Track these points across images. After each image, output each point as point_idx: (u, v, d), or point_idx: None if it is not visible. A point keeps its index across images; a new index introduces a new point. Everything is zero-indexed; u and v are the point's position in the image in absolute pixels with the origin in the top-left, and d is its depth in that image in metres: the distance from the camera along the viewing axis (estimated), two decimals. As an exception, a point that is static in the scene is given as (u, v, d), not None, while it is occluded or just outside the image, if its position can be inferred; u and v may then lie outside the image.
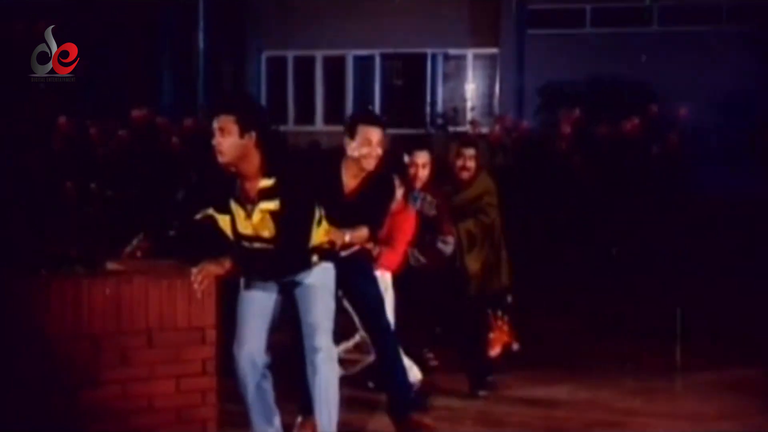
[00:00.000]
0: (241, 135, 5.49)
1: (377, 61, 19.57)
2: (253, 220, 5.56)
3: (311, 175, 5.85)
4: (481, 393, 7.21)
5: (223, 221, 5.62)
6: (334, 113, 19.85)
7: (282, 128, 17.53)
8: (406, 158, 7.22)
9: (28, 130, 12.74)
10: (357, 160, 6.18)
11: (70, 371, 5.10)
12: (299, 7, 19.29)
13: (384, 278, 6.81)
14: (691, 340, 8.74)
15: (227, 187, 5.60)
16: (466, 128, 15.72)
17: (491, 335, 7.67)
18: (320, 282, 5.79)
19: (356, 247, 6.23)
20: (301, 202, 5.63)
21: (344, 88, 19.86)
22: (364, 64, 19.76)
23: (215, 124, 5.53)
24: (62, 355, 5.08)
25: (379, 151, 6.19)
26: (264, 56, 20.22)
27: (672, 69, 16.35)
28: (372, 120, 6.36)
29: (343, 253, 6.08)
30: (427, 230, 7.20)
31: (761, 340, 8.85)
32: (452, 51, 19.02)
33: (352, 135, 6.20)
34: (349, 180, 6.25)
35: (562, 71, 16.09)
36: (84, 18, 15.54)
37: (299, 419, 6.26)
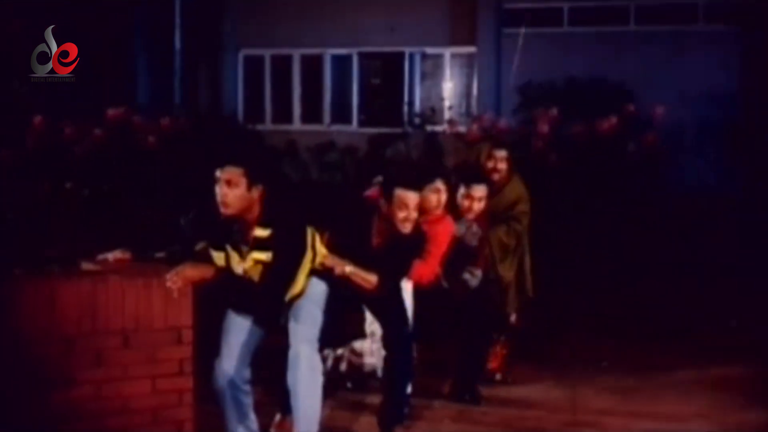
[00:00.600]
0: (249, 188, 5.46)
1: (355, 60, 19.54)
2: (246, 265, 5.54)
3: (305, 228, 5.73)
4: (467, 397, 7.15)
5: (218, 258, 5.59)
6: (311, 112, 19.81)
7: (259, 127, 17.51)
8: (462, 189, 7.07)
9: (3, 130, 12.68)
10: (390, 222, 6.10)
11: (44, 372, 5.05)
12: (276, 6, 19.24)
13: (406, 288, 6.66)
14: (669, 338, 8.76)
15: (224, 229, 5.56)
16: (444, 127, 15.73)
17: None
18: (307, 293, 5.79)
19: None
20: (291, 258, 5.61)
21: (322, 87, 19.82)
22: (341, 63, 19.72)
23: (221, 175, 5.46)
24: (36, 355, 5.03)
25: (414, 215, 6.09)
26: (241, 55, 20.15)
27: (649, 68, 16.38)
28: (409, 185, 6.16)
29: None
30: (459, 258, 7.03)
31: (739, 338, 8.89)
32: (430, 50, 19.01)
33: (388, 198, 6.09)
34: (378, 235, 6.19)
35: (539, 70, 16.07)
36: (59, 17, 15.46)
37: (277, 417, 6.26)
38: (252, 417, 5.85)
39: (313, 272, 5.80)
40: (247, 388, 5.78)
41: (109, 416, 5.24)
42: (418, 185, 6.22)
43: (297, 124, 19.72)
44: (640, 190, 12.48)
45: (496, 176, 7.47)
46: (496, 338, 7.55)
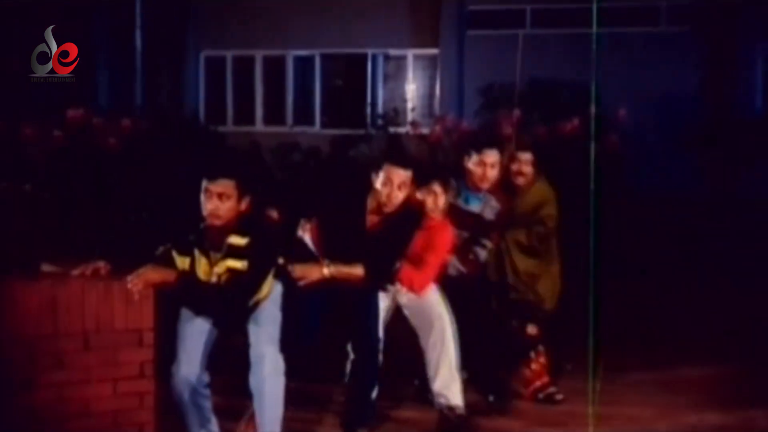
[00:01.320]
0: (239, 200, 5.48)
1: (317, 61, 19.51)
2: (216, 271, 5.51)
3: (281, 239, 5.79)
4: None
5: (182, 262, 5.53)
6: (274, 114, 19.75)
7: (221, 129, 17.43)
8: (474, 157, 6.83)
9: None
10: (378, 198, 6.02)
11: (4, 375, 5.00)
12: (238, 7, 19.17)
13: (398, 295, 6.57)
14: (628, 340, 8.78)
15: (195, 234, 5.52)
16: (407, 129, 15.72)
17: (528, 371, 7.32)
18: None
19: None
20: (268, 267, 5.62)
21: (284, 89, 19.77)
22: (304, 65, 19.68)
23: (213, 187, 5.44)
24: (-4, 358, 4.99)
25: (400, 196, 5.97)
26: (202, 56, 20.07)
27: (611, 70, 16.44)
28: (398, 160, 6.06)
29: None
30: (475, 234, 6.86)
31: (697, 339, 8.93)
32: (392, 51, 19.01)
33: (376, 170, 6.00)
34: (372, 214, 6.10)
35: (502, 72, 16.11)
36: (18, 17, 15.33)
37: (247, 415, 6.21)
38: (213, 420, 5.82)
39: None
40: (207, 392, 5.74)
41: (70, 419, 5.19)
42: (408, 163, 6.07)
43: (259, 126, 19.67)
44: (603, 192, 12.50)
45: (521, 180, 7.16)
46: (530, 354, 7.30)
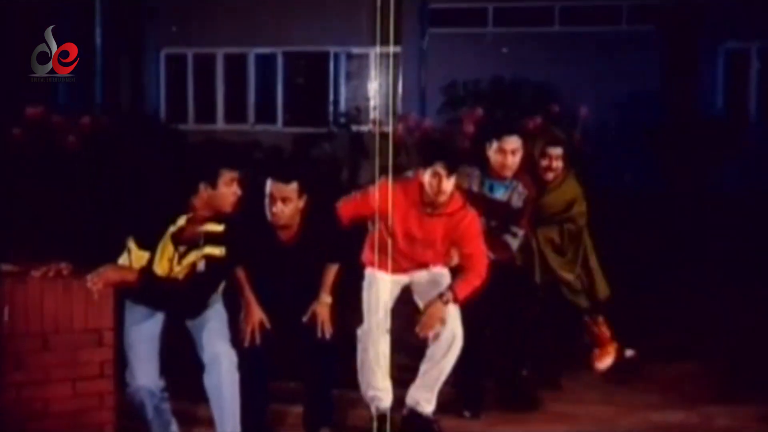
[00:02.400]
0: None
1: (279, 59, 19.45)
2: (183, 263, 5.46)
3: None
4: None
5: (139, 257, 5.45)
6: (235, 112, 19.67)
7: (182, 127, 17.34)
8: (494, 144, 6.62)
9: None
10: None
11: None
12: (199, 5, 19.08)
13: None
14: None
15: (173, 228, 5.47)
16: (369, 127, 15.70)
17: (597, 349, 7.32)
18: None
19: None
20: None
21: (246, 87, 19.69)
22: (266, 63, 19.62)
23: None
24: (-47, 359, 4.92)
25: (286, 210, 5.96)
26: (163, 54, 19.95)
27: (573, 69, 16.51)
28: (279, 176, 6.02)
29: None
30: (503, 222, 6.70)
31: (660, 337, 8.95)
32: (355, 50, 18.98)
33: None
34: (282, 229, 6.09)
35: (464, 70, 16.13)
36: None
37: None
38: (172, 419, 5.77)
39: None
40: (166, 395, 5.71)
41: (30, 420, 5.16)
42: (290, 176, 6.00)
43: (221, 124, 19.59)
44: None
45: (550, 175, 6.97)
46: (592, 322, 7.31)
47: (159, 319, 5.67)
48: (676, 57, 16.94)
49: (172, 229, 5.44)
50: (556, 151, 6.98)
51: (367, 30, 19.10)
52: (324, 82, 19.13)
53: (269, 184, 6.00)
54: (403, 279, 6.55)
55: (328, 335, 6.12)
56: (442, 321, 6.30)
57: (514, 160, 6.61)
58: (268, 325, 6.04)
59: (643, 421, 6.82)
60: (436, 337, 6.37)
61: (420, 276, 6.58)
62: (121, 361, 5.50)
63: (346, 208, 6.41)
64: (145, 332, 5.63)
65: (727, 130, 16.01)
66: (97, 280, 5.23)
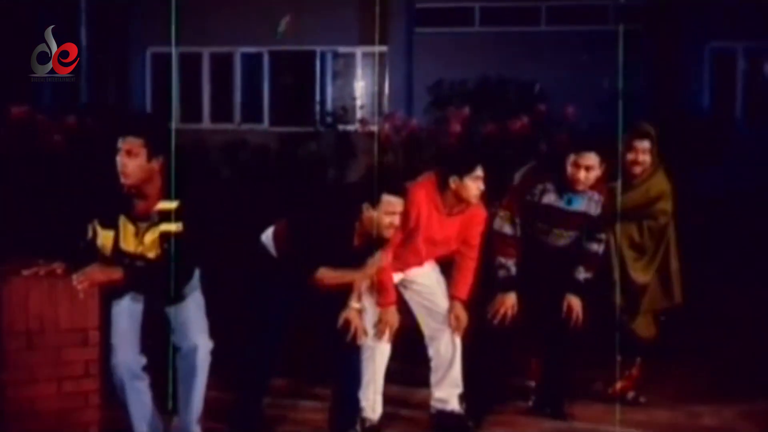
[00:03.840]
0: (149, 159, 5.39)
1: (266, 58, 19.44)
2: (145, 240, 5.43)
3: (214, 199, 5.85)
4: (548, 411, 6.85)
5: (105, 237, 5.42)
6: (221, 111, 19.65)
7: (168, 126, 17.28)
8: (572, 157, 6.49)
9: None
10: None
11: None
12: (185, 4, 19.04)
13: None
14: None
15: (120, 202, 5.44)
16: (356, 127, 15.69)
17: (620, 382, 7.10)
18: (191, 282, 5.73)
19: None
20: (202, 226, 5.53)
21: (232, 86, 19.68)
22: (252, 62, 19.60)
23: (121, 144, 5.37)
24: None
25: (397, 221, 5.93)
26: (149, 53, 19.91)
27: (559, 68, 16.53)
28: (396, 190, 5.98)
29: None
30: (579, 231, 6.66)
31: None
32: (341, 49, 18.98)
33: (373, 202, 5.89)
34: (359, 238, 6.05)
35: (451, 70, 16.12)
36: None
37: None
38: (155, 410, 5.75)
39: None
40: (145, 374, 5.67)
41: (14, 419, 5.14)
42: (403, 191, 6.02)
43: (207, 123, 19.56)
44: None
45: (637, 169, 6.82)
46: (629, 359, 7.09)
47: (140, 298, 5.66)
48: (663, 57, 16.97)
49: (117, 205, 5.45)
50: (643, 144, 6.86)
51: (354, 29, 19.17)
52: (310, 81, 19.12)
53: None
54: (397, 276, 6.53)
55: (361, 341, 6.13)
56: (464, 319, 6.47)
57: (588, 176, 6.51)
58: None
59: (629, 420, 6.82)
60: (437, 334, 6.51)
61: (414, 272, 6.57)
62: (106, 357, 5.48)
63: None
64: (125, 307, 5.61)
65: (713, 130, 16.03)
66: (83, 280, 5.22)
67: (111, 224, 5.44)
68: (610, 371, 7.05)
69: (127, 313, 5.62)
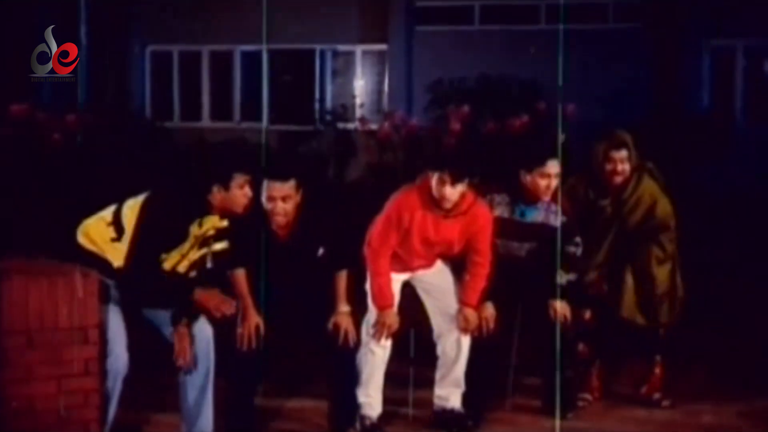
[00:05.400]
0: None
1: (265, 57, 19.44)
2: (189, 257, 5.61)
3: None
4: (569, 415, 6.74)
5: (170, 260, 5.59)
6: (221, 110, 19.65)
7: (168, 124, 17.30)
8: (536, 169, 6.43)
9: None
10: None
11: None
12: (185, 2, 19.05)
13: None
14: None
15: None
16: (355, 125, 15.69)
17: (645, 386, 7.09)
18: None
19: None
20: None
21: (231, 84, 19.68)
22: (251, 60, 19.61)
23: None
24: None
25: (287, 207, 5.97)
26: (148, 51, 19.91)
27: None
28: (273, 174, 6.03)
29: None
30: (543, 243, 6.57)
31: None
32: (341, 47, 18.98)
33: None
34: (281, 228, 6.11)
35: (451, 68, 16.13)
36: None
37: None
38: None
39: None
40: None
41: (14, 418, 5.13)
42: (283, 174, 6.04)
43: (206, 122, 19.57)
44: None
45: (618, 179, 6.72)
46: (648, 359, 7.10)
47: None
48: (662, 54, 16.96)
49: (194, 229, 5.58)
50: (621, 153, 6.76)
51: (353, 28, 19.21)
52: (310, 79, 19.13)
53: (266, 185, 6.00)
54: (402, 276, 6.54)
55: (352, 343, 6.18)
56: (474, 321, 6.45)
57: (550, 185, 6.49)
58: (263, 330, 6.02)
59: (628, 417, 6.82)
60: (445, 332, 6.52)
61: (422, 272, 6.57)
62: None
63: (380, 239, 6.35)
64: (120, 315, 5.67)
65: (712, 128, 16.05)
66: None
67: (175, 247, 5.56)
68: (628, 372, 7.16)
69: (117, 313, 5.66)
